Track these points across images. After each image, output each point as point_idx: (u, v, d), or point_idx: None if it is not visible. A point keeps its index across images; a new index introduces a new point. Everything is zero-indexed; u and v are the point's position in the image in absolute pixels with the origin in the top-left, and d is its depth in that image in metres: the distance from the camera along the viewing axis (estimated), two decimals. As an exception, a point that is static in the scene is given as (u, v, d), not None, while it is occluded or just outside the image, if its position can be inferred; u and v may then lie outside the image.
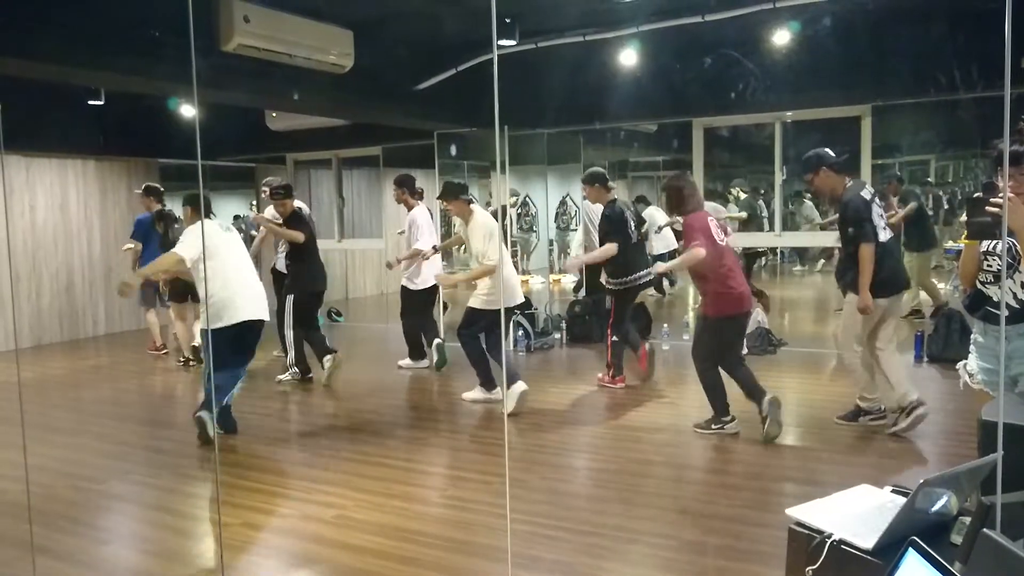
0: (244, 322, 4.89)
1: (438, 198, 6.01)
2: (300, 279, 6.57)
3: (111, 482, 4.40)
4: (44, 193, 8.91)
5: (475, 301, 5.64)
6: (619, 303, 6.06)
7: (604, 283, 6.18)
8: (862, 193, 4.60)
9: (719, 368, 4.81)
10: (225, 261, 4.97)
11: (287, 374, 6.60)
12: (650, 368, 6.19)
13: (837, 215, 4.88)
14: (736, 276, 4.76)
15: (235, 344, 4.85)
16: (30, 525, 3.36)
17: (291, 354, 6.57)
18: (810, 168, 4.72)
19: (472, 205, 5.76)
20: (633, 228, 6.01)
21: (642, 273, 6.01)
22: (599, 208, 6.18)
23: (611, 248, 5.85)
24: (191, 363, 7.36)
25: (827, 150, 4.74)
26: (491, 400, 5.76)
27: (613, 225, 5.92)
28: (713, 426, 4.84)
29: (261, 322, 5.05)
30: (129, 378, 7.29)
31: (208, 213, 5.38)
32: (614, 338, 6.04)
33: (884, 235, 4.57)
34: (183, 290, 7.13)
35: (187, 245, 4.85)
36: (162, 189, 7.65)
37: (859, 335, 4.65)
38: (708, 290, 4.73)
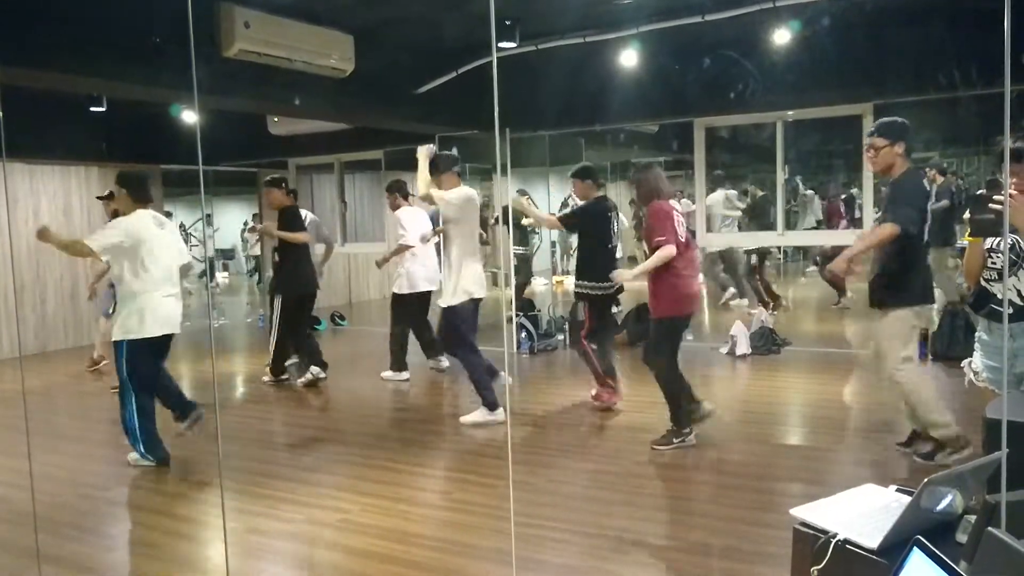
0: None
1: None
2: (289, 281, 6.52)
3: (116, 489, 4.41)
4: (48, 200, 8.93)
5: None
6: (597, 310, 5.52)
7: (577, 288, 5.59)
8: (924, 181, 4.07)
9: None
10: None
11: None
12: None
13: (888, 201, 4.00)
14: (693, 275, 4.73)
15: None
16: (35, 533, 3.36)
17: (272, 356, 6.64)
18: (897, 134, 3.87)
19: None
20: (616, 230, 5.56)
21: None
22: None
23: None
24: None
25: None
26: (493, 422, 5.26)
27: (594, 221, 5.48)
28: (674, 440, 4.56)
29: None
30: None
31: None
32: (593, 346, 5.50)
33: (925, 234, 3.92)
34: None
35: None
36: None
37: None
38: (661, 289, 4.50)
